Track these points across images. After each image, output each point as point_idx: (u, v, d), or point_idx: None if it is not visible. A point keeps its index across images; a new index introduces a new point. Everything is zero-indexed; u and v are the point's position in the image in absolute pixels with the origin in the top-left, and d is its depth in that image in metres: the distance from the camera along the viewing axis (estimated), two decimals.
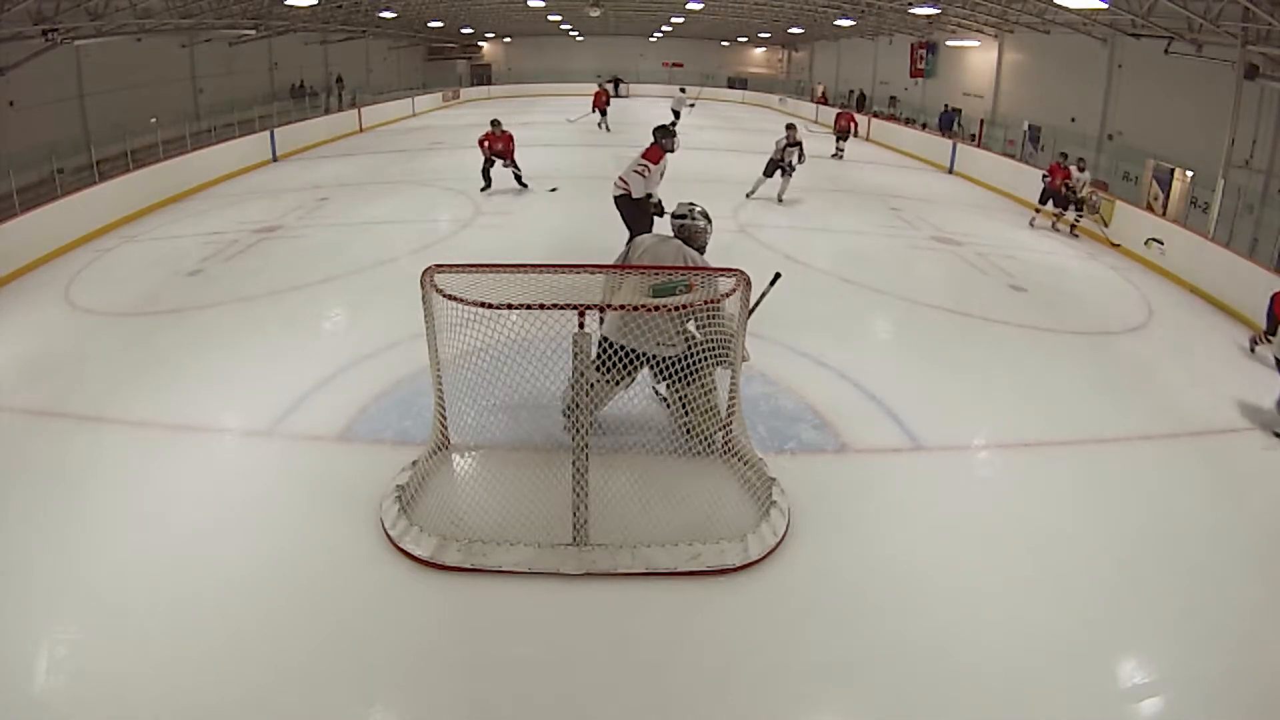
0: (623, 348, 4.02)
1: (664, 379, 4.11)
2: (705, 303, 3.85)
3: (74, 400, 4.99)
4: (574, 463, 3.55)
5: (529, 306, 3.79)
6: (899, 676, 3.05)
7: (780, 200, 11.04)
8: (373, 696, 2.93)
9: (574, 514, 3.61)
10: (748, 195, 11.23)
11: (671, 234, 4.52)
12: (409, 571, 3.51)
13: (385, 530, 3.70)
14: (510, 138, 11.21)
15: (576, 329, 3.45)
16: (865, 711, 2.98)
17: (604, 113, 19.06)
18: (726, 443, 4.21)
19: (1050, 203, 10.78)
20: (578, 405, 3.51)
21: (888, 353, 6.27)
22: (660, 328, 3.99)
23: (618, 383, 4.20)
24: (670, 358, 3.98)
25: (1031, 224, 11.01)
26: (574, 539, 3.62)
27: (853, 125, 16.81)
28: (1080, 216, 10.25)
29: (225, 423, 4.77)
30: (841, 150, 16.35)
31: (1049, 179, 10.80)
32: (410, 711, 2.93)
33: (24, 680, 2.93)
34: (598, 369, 3.98)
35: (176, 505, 3.95)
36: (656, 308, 3.84)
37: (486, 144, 11.10)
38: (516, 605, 3.35)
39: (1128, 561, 3.76)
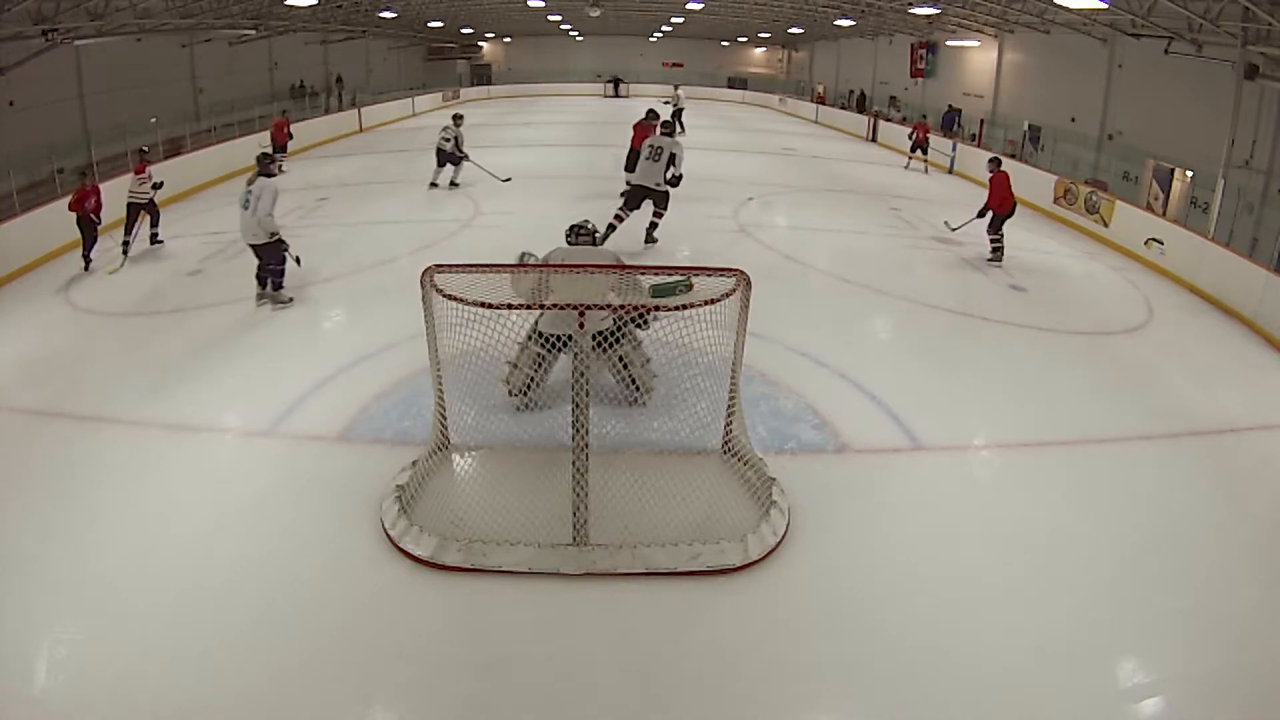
0: (556, 336, 4.44)
1: (601, 347, 4.40)
2: (706, 302, 3.84)
3: (74, 400, 4.99)
4: (574, 463, 3.55)
5: (529, 306, 3.81)
6: (899, 676, 3.06)
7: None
8: (373, 696, 2.93)
9: (574, 514, 3.61)
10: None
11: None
12: (409, 571, 3.51)
13: (385, 530, 3.70)
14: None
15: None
16: (865, 711, 2.98)
17: (282, 150, 13.85)
18: (726, 442, 4.21)
19: (915, 151, 15.53)
20: (577, 405, 3.51)
21: (888, 353, 6.27)
22: None
23: (553, 363, 4.70)
24: (604, 329, 4.25)
25: (906, 168, 15.35)
26: (574, 539, 3.63)
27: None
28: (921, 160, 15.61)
29: (225, 423, 4.78)
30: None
31: (914, 135, 15.58)
32: (410, 711, 2.93)
33: (24, 679, 2.93)
34: (538, 354, 4.54)
35: (176, 505, 3.96)
36: (656, 307, 3.85)
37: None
38: (516, 605, 3.36)
39: (1127, 561, 3.76)
